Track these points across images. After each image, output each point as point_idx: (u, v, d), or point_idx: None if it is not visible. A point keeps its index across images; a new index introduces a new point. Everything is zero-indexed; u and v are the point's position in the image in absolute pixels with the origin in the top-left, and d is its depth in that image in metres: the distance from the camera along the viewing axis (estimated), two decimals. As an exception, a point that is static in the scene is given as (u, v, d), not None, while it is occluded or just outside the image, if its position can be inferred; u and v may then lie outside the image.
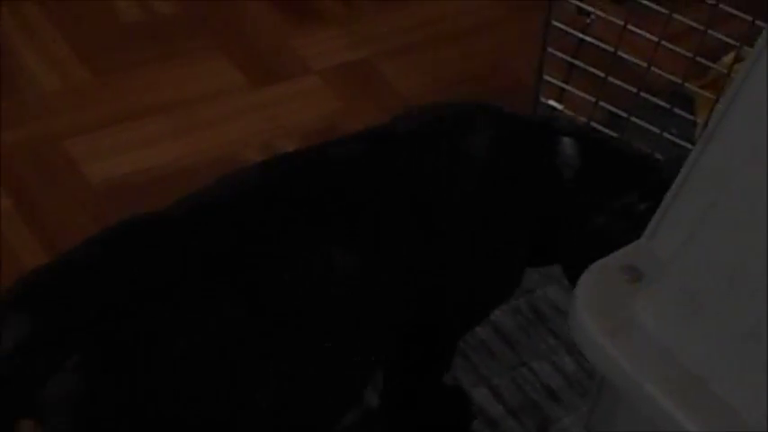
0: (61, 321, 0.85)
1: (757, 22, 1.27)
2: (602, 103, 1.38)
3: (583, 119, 1.38)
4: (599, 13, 1.41)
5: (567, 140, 1.07)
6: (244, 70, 1.52)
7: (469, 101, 1.11)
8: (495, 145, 1.06)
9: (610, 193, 1.06)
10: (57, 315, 0.86)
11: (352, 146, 1.03)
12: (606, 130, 1.31)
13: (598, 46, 1.39)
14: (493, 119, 1.09)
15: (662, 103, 1.37)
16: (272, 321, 0.91)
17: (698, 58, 1.35)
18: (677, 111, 1.38)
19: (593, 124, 1.36)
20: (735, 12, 1.31)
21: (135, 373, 0.86)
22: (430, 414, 1.12)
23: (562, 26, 1.39)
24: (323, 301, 0.93)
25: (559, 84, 1.42)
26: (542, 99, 1.43)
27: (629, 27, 1.35)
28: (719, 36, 1.34)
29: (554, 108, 1.42)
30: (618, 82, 1.37)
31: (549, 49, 1.41)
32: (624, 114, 1.37)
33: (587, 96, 1.39)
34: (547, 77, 1.43)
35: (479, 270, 1.05)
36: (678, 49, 1.35)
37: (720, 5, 1.31)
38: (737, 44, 1.34)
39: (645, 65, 1.36)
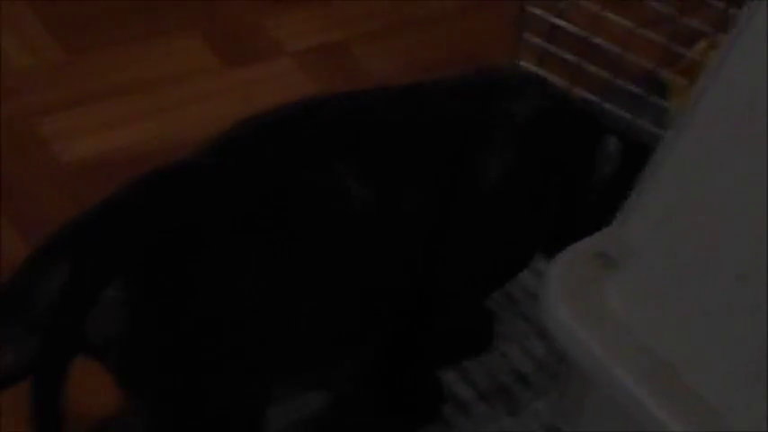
0: (102, 263, 0.88)
1: (731, 10, 1.28)
2: (576, 89, 1.38)
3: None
4: (574, -2, 1.41)
5: (612, 138, 1.08)
6: (217, 51, 1.51)
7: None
8: (542, 120, 1.06)
9: None
10: (97, 256, 0.88)
11: (391, 93, 1.05)
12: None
13: (573, 32, 1.39)
14: (546, 94, 1.09)
15: (636, 90, 1.37)
16: (299, 247, 0.94)
17: (672, 45, 1.35)
18: (651, 97, 1.38)
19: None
20: (709, -1, 1.32)
21: (177, 307, 0.88)
22: (401, 397, 1.12)
23: (537, 11, 1.39)
24: (342, 228, 0.96)
25: (534, 69, 1.42)
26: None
27: (604, 13, 1.35)
28: (693, 23, 1.34)
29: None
30: (592, 68, 1.37)
31: (524, 35, 1.41)
32: (598, 100, 1.37)
33: (562, 82, 1.39)
34: (522, 63, 1.43)
35: (491, 248, 1.05)
36: (652, 36, 1.35)
37: (695, -7, 1.31)
38: (711, 31, 1.34)
39: (619, 51, 1.36)
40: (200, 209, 0.92)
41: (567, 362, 0.95)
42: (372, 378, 1.12)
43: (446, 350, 1.16)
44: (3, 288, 0.91)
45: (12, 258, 0.98)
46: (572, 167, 1.08)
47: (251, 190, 0.94)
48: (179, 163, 0.96)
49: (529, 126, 1.05)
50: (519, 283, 1.23)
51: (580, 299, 0.86)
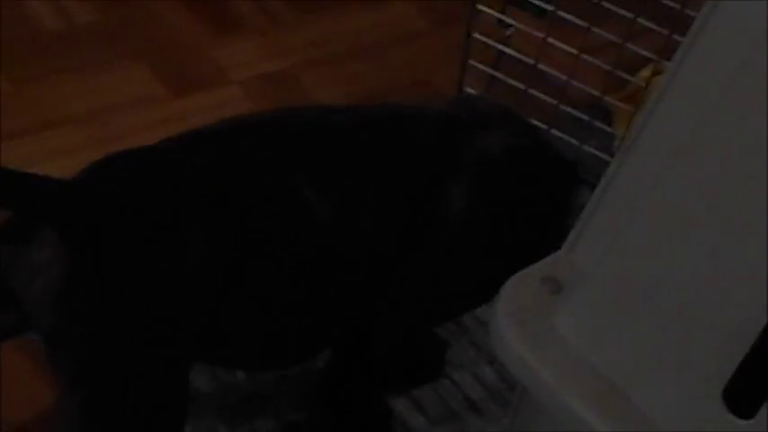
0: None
1: (674, 36, 1.29)
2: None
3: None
4: (519, 25, 1.42)
5: (587, 191, 1.05)
6: (163, 80, 1.50)
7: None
8: (513, 158, 1.05)
9: None
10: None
11: (367, 113, 1.04)
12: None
13: (518, 59, 1.40)
14: (523, 133, 1.08)
15: (581, 116, 1.38)
16: (246, 245, 0.94)
17: (617, 72, 1.37)
18: (597, 123, 1.39)
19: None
20: (652, 26, 1.33)
21: (111, 286, 0.89)
22: (350, 423, 1.11)
23: (483, 38, 1.40)
24: (292, 236, 0.96)
25: (480, 95, 1.42)
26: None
27: (549, 40, 1.36)
28: (638, 50, 1.35)
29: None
30: (538, 94, 1.38)
31: (470, 62, 1.42)
32: (544, 127, 1.38)
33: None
34: (468, 89, 1.43)
35: (447, 280, 1.04)
36: (597, 63, 1.36)
37: (638, 20, 1.32)
38: (655, 58, 1.35)
39: (565, 78, 1.37)
40: (153, 193, 0.92)
41: (518, 388, 0.95)
42: (321, 404, 1.12)
43: (397, 378, 1.16)
44: None
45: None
46: (542, 209, 1.06)
47: (206, 181, 0.94)
48: (142, 148, 0.96)
49: (499, 162, 1.04)
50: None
51: (529, 325, 0.86)
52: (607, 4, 1.33)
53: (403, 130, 1.03)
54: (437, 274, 1.03)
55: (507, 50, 1.40)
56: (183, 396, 0.96)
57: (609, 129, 1.42)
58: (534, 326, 0.86)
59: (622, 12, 1.33)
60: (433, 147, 1.03)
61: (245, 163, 0.96)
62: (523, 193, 1.06)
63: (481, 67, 1.41)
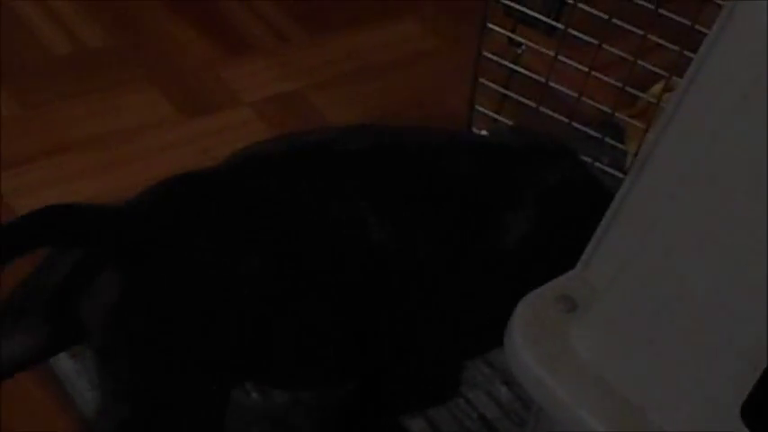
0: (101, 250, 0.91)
1: (685, 52, 1.29)
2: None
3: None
4: (529, 43, 1.42)
5: None
6: (174, 102, 1.50)
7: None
8: (568, 192, 1.06)
9: None
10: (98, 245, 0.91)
11: (430, 138, 1.06)
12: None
13: (529, 77, 1.39)
14: (577, 167, 1.09)
15: (593, 133, 1.38)
16: (299, 265, 0.95)
17: (627, 88, 1.36)
18: (608, 140, 1.39)
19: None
20: (663, 42, 1.32)
21: (163, 302, 0.91)
22: None
23: (493, 57, 1.40)
24: (349, 260, 0.97)
25: (491, 114, 1.42)
26: (475, 130, 1.43)
27: (560, 57, 1.36)
28: (648, 66, 1.35)
29: (486, 138, 1.43)
30: (549, 112, 1.38)
31: (481, 80, 1.42)
32: (556, 144, 1.38)
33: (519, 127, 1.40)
34: (479, 108, 1.43)
35: (490, 310, 1.01)
36: (608, 79, 1.36)
37: (649, 36, 1.32)
38: (666, 74, 1.35)
39: (576, 95, 1.37)
40: (209, 215, 0.94)
41: (534, 407, 0.95)
42: (338, 424, 1.11)
43: (413, 397, 1.16)
44: (25, 279, 0.94)
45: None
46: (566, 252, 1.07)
47: (261, 204, 0.95)
48: (200, 171, 0.99)
49: (555, 195, 1.05)
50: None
51: (544, 343, 0.86)
52: (617, 21, 1.33)
53: (462, 158, 1.04)
54: (486, 305, 1.03)
55: (518, 69, 1.40)
56: (222, 417, 0.96)
57: (621, 146, 1.42)
58: (549, 344, 0.86)
59: (633, 28, 1.33)
60: (494, 176, 1.04)
61: (303, 186, 0.97)
62: (572, 228, 1.06)
63: (492, 85, 1.41)
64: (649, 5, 1.31)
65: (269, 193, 0.96)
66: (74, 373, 1.19)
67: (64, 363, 1.18)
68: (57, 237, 0.90)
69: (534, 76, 1.39)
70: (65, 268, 0.91)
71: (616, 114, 1.38)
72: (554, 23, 1.38)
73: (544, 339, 0.86)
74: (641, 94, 1.40)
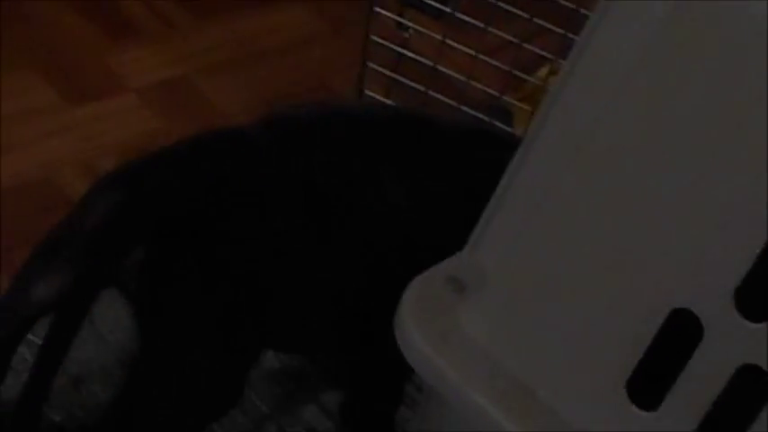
0: (144, 201, 0.92)
1: (569, 35, 1.30)
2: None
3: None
4: (417, 27, 1.42)
5: None
6: (57, 88, 1.48)
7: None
8: None
9: None
10: (140, 196, 0.92)
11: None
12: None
13: (418, 60, 1.40)
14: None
15: (481, 116, 1.39)
16: (324, 228, 0.97)
17: (515, 72, 1.37)
18: (496, 123, 1.40)
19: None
20: (549, 26, 1.34)
21: (203, 257, 0.92)
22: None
23: (381, 41, 1.40)
24: (367, 225, 0.98)
25: (381, 99, 1.42)
26: (363, 114, 1.43)
27: (448, 41, 1.37)
28: (535, 49, 1.36)
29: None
30: (438, 96, 1.38)
31: (370, 65, 1.41)
32: (444, 128, 1.38)
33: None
34: (368, 92, 1.43)
35: None
36: (495, 63, 1.37)
37: (535, 20, 1.33)
38: (552, 57, 1.36)
39: (464, 79, 1.37)
40: (240, 175, 0.95)
41: (425, 389, 0.95)
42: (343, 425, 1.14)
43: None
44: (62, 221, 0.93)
45: None
46: None
47: (288, 164, 0.97)
48: (234, 129, 1.00)
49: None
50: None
51: (434, 325, 0.86)
52: (504, 5, 1.34)
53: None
54: None
55: (406, 53, 1.41)
56: (242, 384, 0.99)
57: (509, 129, 1.43)
58: (439, 325, 0.86)
59: (519, 12, 1.34)
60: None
61: (332, 149, 0.99)
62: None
63: (381, 69, 1.41)
64: (535, -11, 1.32)
65: (297, 152, 0.98)
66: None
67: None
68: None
69: (423, 59, 1.39)
70: (102, 210, 0.91)
71: (504, 98, 1.39)
72: (441, 7, 1.38)
73: (433, 320, 0.86)
74: (528, 78, 1.41)
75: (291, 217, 0.96)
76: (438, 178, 1.02)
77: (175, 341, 0.95)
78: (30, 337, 0.90)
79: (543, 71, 1.42)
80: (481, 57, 1.36)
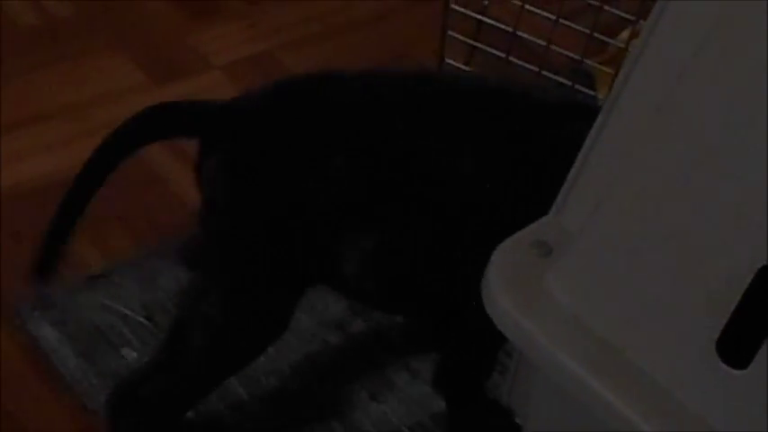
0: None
1: (651, -3, 1.29)
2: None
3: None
4: (496, -6, 1.42)
5: None
6: (145, 69, 1.50)
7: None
8: None
9: None
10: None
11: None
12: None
13: (497, 27, 1.40)
14: None
15: (563, 81, 1.39)
16: (395, 187, 1.00)
17: (596, 35, 1.37)
18: (578, 87, 1.39)
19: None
20: (629, -13, 1.33)
21: (267, 190, 1.00)
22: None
23: (461, 9, 1.40)
24: (441, 193, 1.01)
25: (462, 67, 1.42)
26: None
27: (527, 7, 1.36)
28: (616, 12, 1.36)
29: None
30: (519, 62, 1.38)
31: (450, 33, 1.42)
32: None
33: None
34: (449, 61, 1.43)
35: None
36: (576, 27, 1.36)
37: (615, -19, 1.33)
38: (634, 19, 1.36)
39: (544, 43, 1.37)
40: (307, 120, 1.01)
41: (515, 353, 0.96)
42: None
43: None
44: None
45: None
46: None
47: (354, 115, 1.01)
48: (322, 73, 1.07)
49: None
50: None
51: (521, 289, 0.87)
52: (583, -32, 1.34)
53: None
54: None
55: (486, 20, 1.41)
56: (289, 317, 1.04)
57: (591, 92, 1.42)
58: (526, 289, 0.87)
59: (599, -26, 1.33)
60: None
61: (396, 105, 1.02)
62: None
63: (461, 38, 1.42)
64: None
65: (363, 105, 1.02)
66: (56, 342, 1.19)
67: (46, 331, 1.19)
68: (164, 131, 1.05)
69: (502, 26, 1.39)
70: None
71: (585, 61, 1.39)
72: (520, -27, 1.38)
73: (521, 285, 0.87)
74: (610, 41, 1.40)
75: (371, 171, 0.99)
76: (526, 149, 1.02)
77: (239, 252, 1.01)
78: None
79: (625, 34, 1.41)
80: (562, 21, 1.35)
